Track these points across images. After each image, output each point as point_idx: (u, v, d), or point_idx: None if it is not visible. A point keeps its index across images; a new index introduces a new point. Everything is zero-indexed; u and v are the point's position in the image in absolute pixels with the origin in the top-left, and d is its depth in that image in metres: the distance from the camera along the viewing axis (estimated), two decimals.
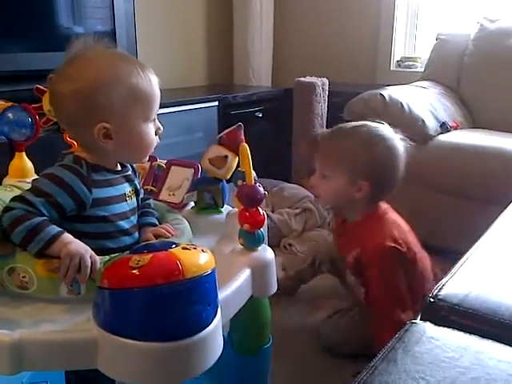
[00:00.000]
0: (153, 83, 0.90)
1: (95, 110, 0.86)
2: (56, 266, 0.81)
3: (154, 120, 0.93)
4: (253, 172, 0.92)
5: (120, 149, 0.89)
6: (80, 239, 0.84)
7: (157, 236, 0.95)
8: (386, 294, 1.32)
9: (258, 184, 0.90)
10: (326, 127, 2.65)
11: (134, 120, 0.89)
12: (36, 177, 1.05)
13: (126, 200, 0.94)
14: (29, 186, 0.88)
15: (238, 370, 1.08)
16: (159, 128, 0.94)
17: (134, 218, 0.96)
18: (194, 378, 0.77)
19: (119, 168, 0.95)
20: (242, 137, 1.02)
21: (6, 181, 1.10)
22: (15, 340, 0.71)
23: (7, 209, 0.82)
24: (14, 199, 0.84)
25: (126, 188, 0.95)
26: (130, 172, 0.97)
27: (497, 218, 1.17)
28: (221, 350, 0.79)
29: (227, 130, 1.05)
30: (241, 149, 0.91)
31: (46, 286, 0.82)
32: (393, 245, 1.31)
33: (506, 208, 1.24)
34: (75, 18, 2.20)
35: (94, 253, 0.82)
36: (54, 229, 0.82)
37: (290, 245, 2.14)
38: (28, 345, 0.72)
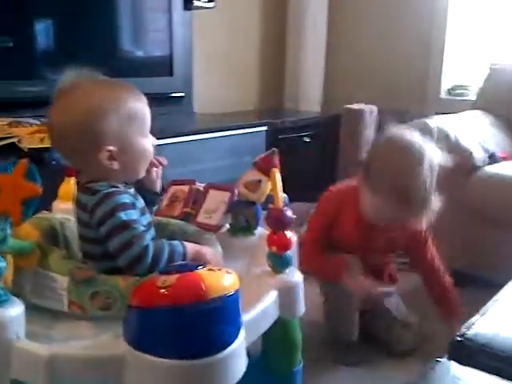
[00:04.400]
0: (143, 102, 0.97)
1: (97, 136, 0.91)
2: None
3: (148, 134, 0.99)
4: (284, 196, 0.95)
5: (125, 167, 0.95)
6: None
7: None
8: None
9: (286, 208, 0.92)
10: None
11: (134, 138, 0.95)
12: None
13: None
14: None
15: None
16: (153, 142, 1.00)
17: None
18: None
19: None
20: (276, 162, 1.04)
21: (56, 204, 1.16)
22: (50, 354, 0.77)
23: (141, 254, 0.87)
24: (129, 243, 0.88)
25: None
26: None
27: None
28: (244, 368, 0.81)
29: (262, 155, 1.08)
30: (271, 174, 0.94)
31: None
32: None
33: None
34: (135, 43, 2.31)
35: None
36: (175, 242, 0.94)
37: None
38: (61, 359, 0.78)
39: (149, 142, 0.98)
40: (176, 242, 0.94)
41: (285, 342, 1.06)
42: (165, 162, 1.06)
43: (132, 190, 0.99)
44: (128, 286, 0.84)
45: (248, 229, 1.13)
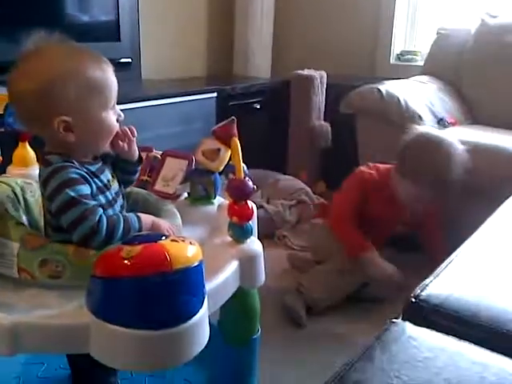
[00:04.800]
0: (107, 72, 0.91)
1: (53, 105, 0.87)
2: (87, 254, 0.84)
3: (114, 107, 0.94)
4: (243, 166, 0.94)
5: (82, 139, 0.90)
6: None
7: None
8: None
9: (247, 178, 0.92)
10: (324, 120, 2.66)
11: (93, 110, 0.90)
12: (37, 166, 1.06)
13: None
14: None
15: (227, 359, 1.11)
16: (119, 115, 0.95)
17: None
18: (180, 365, 0.80)
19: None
20: (235, 131, 1.02)
21: (10, 169, 1.12)
22: (13, 323, 0.75)
23: (94, 229, 0.85)
24: (81, 218, 0.85)
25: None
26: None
27: (488, 216, 1.18)
28: (207, 338, 0.81)
29: (221, 124, 1.06)
30: (232, 143, 0.93)
31: (79, 273, 0.83)
32: None
33: (498, 206, 1.24)
34: (80, 7, 2.21)
35: None
36: (131, 214, 0.92)
37: (284, 236, 2.16)
38: (24, 328, 0.76)
39: (111, 116, 0.93)
40: (131, 215, 0.91)
41: (244, 311, 1.07)
42: (133, 133, 0.99)
43: (96, 166, 0.95)
44: (79, 255, 0.83)
45: (207, 198, 1.12)
